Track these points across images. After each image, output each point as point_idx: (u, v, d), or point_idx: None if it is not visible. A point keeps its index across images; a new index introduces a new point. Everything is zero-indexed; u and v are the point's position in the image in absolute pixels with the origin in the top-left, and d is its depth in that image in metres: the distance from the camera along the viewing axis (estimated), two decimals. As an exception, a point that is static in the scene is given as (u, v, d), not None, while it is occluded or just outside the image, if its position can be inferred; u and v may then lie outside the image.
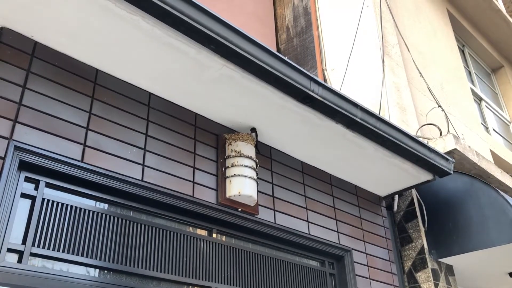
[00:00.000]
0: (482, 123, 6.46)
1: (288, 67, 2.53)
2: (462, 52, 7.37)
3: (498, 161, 6.13)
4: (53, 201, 2.09)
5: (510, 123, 7.70)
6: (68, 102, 2.23)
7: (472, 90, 6.75)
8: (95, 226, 2.19)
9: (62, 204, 2.12)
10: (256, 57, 2.38)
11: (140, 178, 2.35)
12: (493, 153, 6.01)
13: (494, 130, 6.98)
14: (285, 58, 2.51)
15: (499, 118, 7.47)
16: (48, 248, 2.00)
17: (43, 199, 2.06)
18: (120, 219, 2.29)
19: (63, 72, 2.26)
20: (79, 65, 2.34)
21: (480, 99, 7.09)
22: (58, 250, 2.02)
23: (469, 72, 7.28)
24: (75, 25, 2.16)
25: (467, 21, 7.42)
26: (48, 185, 2.10)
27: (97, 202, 2.26)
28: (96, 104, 2.33)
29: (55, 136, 2.12)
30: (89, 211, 2.19)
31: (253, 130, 2.89)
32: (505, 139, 7.24)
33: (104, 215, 2.24)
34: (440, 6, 6.80)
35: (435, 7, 6.62)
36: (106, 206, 2.29)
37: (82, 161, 2.17)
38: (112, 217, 2.26)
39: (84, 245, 2.11)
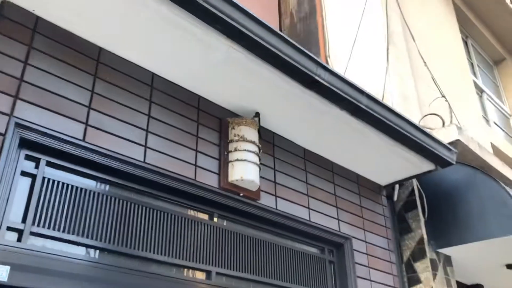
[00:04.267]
0: (483, 116, 6.43)
1: (295, 50, 2.48)
2: (465, 43, 7.31)
3: (498, 154, 6.10)
4: (53, 180, 2.05)
5: (510, 116, 7.68)
6: (71, 80, 2.18)
7: (474, 82, 6.71)
8: (96, 206, 2.15)
9: (63, 183, 2.08)
10: (263, 39, 2.34)
11: (142, 160, 2.31)
12: (493, 146, 6.00)
13: (494, 123, 6.96)
14: (293, 41, 2.46)
15: (500, 111, 7.44)
16: (48, 228, 1.96)
17: (43, 178, 2.02)
18: (121, 200, 2.25)
19: (66, 49, 2.21)
20: (82, 42, 2.28)
21: (482, 91, 7.05)
22: (58, 230, 1.99)
23: (472, 63, 7.23)
24: (79, 1, 2.10)
25: (471, 12, 7.35)
26: (48, 163, 2.06)
27: (98, 183, 2.22)
28: (98, 83, 2.28)
29: (56, 114, 2.07)
30: (89, 191, 2.15)
31: (257, 114, 2.85)
32: (505, 132, 7.22)
33: (105, 196, 2.20)
34: (446, -4, 6.73)
35: (441, -3, 6.55)
36: (107, 186, 2.25)
37: (83, 140, 2.12)
38: (113, 198, 2.23)
39: (84, 225, 2.08)
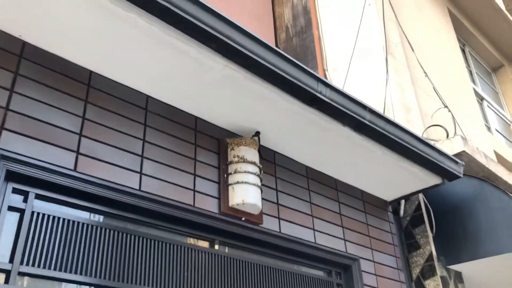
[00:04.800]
0: (485, 124, 6.34)
1: (295, 67, 2.38)
2: (463, 51, 7.25)
3: (501, 161, 6.01)
4: (43, 214, 1.93)
5: (511, 122, 7.59)
6: (60, 106, 2.06)
7: (474, 90, 6.64)
8: (90, 240, 2.02)
9: (54, 217, 1.95)
10: (260, 56, 2.24)
11: (138, 188, 2.19)
12: (496, 154, 5.90)
13: (496, 130, 6.87)
14: (291, 58, 2.36)
15: (500, 117, 7.36)
16: (38, 266, 1.83)
17: (32, 212, 1.90)
18: (116, 232, 2.13)
19: (54, 74, 2.10)
20: (72, 67, 2.18)
21: (482, 98, 6.98)
22: (49, 268, 1.86)
23: (470, 71, 7.16)
24: (66, 24, 2.00)
25: (467, 20, 7.30)
26: (38, 196, 1.94)
27: (92, 214, 2.10)
28: (90, 108, 2.17)
29: (45, 144, 1.96)
30: (82, 224, 2.03)
31: (257, 133, 2.74)
32: (506, 139, 7.13)
33: (99, 228, 2.07)
34: (441, 4, 6.68)
35: (436, 5, 6.50)
36: (101, 218, 2.13)
37: (75, 170, 2.01)
38: (107, 230, 2.10)
39: (77, 261, 1.95)
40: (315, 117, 2.67)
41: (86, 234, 2.02)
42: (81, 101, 2.15)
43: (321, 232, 3.00)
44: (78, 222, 2.02)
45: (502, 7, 7.66)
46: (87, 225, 2.04)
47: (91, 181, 2.04)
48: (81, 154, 2.05)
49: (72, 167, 2.00)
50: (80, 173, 2.01)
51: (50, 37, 2.06)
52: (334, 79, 4.73)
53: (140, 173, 2.23)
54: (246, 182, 2.54)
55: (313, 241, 2.91)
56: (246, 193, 2.51)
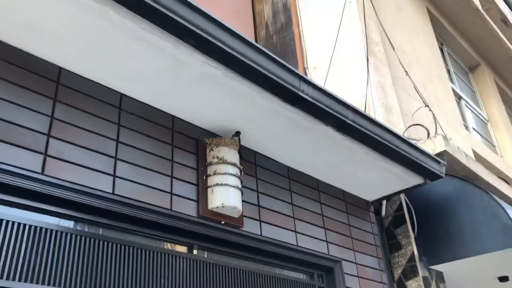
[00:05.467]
0: (463, 123, 6.38)
1: (276, 65, 2.29)
2: (441, 50, 7.28)
3: (479, 160, 6.04)
4: (7, 221, 1.78)
5: (488, 121, 7.67)
6: (26, 105, 1.92)
7: (452, 89, 6.67)
8: (59, 247, 1.89)
9: (19, 224, 1.81)
10: (241, 53, 2.14)
11: (111, 191, 2.07)
12: (474, 153, 5.93)
13: (473, 128, 6.92)
14: (273, 55, 2.27)
15: (478, 116, 7.43)
16: (1, 278, 1.69)
17: (-4, 219, 1.76)
18: (88, 238, 2.00)
19: (20, 70, 1.96)
20: (39, 63, 2.04)
21: (460, 97, 7.02)
22: (14, 279, 1.72)
23: (448, 70, 7.20)
24: (33, 16, 1.86)
25: (445, 20, 7.34)
26: (2, 202, 1.80)
27: (61, 220, 1.96)
28: (59, 107, 2.04)
29: (9, 145, 1.82)
30: (51, 230, 1.89)
31: (237, 133, 2.64)
32: (484, 137, 7.20)
33: (69, 235, 1.94)
34: (420, 4, 6.69)
35: (416, 5, 6.50)
36: (71, 223, 2.00)
37: (42, 173, 1.87)
38: (78, 236, 1.97)
39: (45, 271, 1.82)
40: (297, 117, 2.58)
41: (55, 241, 1.89)
42: (49, 100, 2.02)
43: (303, 234, 2.92)
44: (46, 229, 1.88)
45: (479, 6, 7.73)
46: (56, 231, 1.91)
47: (60, 184, 1.90)
48: (49, 156, 1.92)
49: (39, 170, 1.87)
50: (48, 176, 1.88)
51: (15, 30, 1.92)
52: (315, 78, 4.65)
53: (114, 175, 2.11)
54: (226, 184, 2.44)
55: (295, 243, 2.83)
56: (226, 195, 2.41)
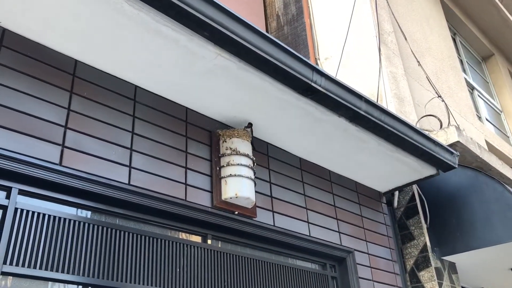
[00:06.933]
0: (476, 113, 6.32)
1: (289, 55, 2.30)
2: (454, 40, 7.21)
3: (492, 151, 6.00)
4: (27, 211, 1.83)
5: (501, 112, 7.60)
6: (43, 97, 1.96)
7: (465, 79, 6.61)
8: (77, 237, 1.94)
9: (38, 213, 1.86)
10: (254, 44, 2.14)
11: (127, 182, 2.10)
12: (487, 143, 5.89)
13: (486, 119, 6.86)
14: (286, 46, 2.28)
15: (491, 107, 7.36)
16: (23, 266, 1.74)
17: (15, 209, 1.80)
18: (105, 228, 2.04)
19: (37, 63, 1.99)
20: (55, 56, 2.07)
21: (473, 88, 6.96)
22: (35, 267, 1.77)
23: (461, 60, 7.13)
24: (49, 10, 1.89)
25: (458, 9, 7.26)
26: (21, 192, 1.84)
27: (79, 210, 2.01)
28: (75, 99, 2.07)
29: (28, 137, 1.86)
30: (69, 220, 1.94)
31: (249, 125, 2.66)
32: (497, 128, 7.13)
33: (86, 224, 1.99)
34: (432, -8, 6.61)
35: (428, -7, 6.43)
36: (88, 213, 2.04)
37: (60, 164, 1.91)
38: (95, 226, 2.01)
39: (64, 259, 1.86)
40: (310, 108, 2.59)
41: (73, 230, 1.93)
42: (66, 92, 2.05)
43: (315, 224, 2.94)
44: (65, 219, 1.92)
45: (493, -5, 7.62)
46: (74, 221, 1.95)
47: (77, 175, 1.94)
48: (67, 148, 1.96)
49: (57, 161, 1.90)
50: (65, 167, 1.92)
51: (32, 24, 1.95)
52: (327, 69, 4.65)
53: (129, 166, 2.14)
54: (239, 175, 2.46)
55: (308, 234, 2.85)
56: (239, 186, 2.44)
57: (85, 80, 2.14)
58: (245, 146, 2.58)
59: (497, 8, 7.45)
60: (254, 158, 2.61)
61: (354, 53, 4.54)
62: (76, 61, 2.14)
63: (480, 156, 3.91)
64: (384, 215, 3.60)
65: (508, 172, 4.32)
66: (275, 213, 2.72)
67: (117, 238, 2.06)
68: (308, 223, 2.90)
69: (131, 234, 2.12)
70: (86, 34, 2.03)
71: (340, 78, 4.42)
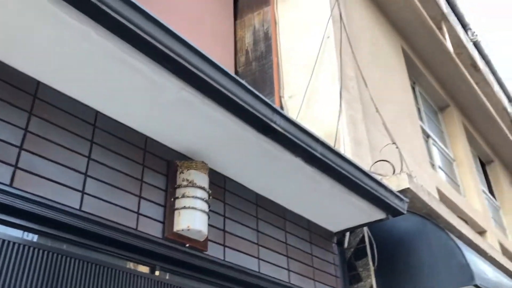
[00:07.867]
0: (429, 161, 6.59)
1: (251, 95, 2.37)
2: (413, 89, 7.55)
3: (443, 199, 6.24)
4: (-30, 231, 1.79)
5: (454, 161, 7.94)
6: (0, 116, 1.94)
7: (421, 127, 6.90)
8: (23, 261, 1.89)
9: (-18, 234, 1.81)
10: (218, 82, 2.21)
11: (78, 207, 2.08)
12: (438, 191, 6.12)
13: (439, 167, 7.15)
14: (249, 86, 2.36)
15: (444, 156, 7.68)
16: (-41, 288, 1.69)
17: (-42, 228, 1.76)
18: (51, 253, 2.00)
19: (-3, 81, 1.98)
20: (17, 75, 2.06)
21: (428, 136, 7.26)
22: (-29, 291, 1.72)
23: (418, 109, 7.46)
24: (13, 29, 1.90)
25: (419, 60, 7.63)
26: (-34, 211, 1.80)
27: (26, 233, 1.97)
28: (34, 120, 2.06)
29: (-20, 155, 1.83)
30: (15, 244, 1.89)
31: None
32: (449, 176, 7.43)
33: (32, 248, 1.94)
34: (396, 43, 6.96)
35: (391, 43, 6.76)
36: (35, 237, 2.00)
37: (11, 185, 1.88)
38: (41, 251, 1.97)
39: (5, 282, 1.81)
40: (268, 146, 2.66)
41: (17, 254, 1.89)
42: (25, 112, 2.04)
43: (265, 261, 2.97)
44: (9, 241, 1.88)
45: (451, 50, 8.08)
46: (19, 244, 1.90)
47: (27, 197, 1.92)
48: (19, 169, 1.93)
49: (7, 182, 1.88)
50: (16, 188, 1.89)
51: (-3, 42, 1.95)
52: (290, 107, 4.78)
53: (82, 192, 2.13)
54: (193, 208, 2.48)
55: (257, 270, 2.87)
56: (192, 219, 2.45)
57: (46, 102, 2.13)
58: (201, 179, 2.61)
59: (454, 63, 7.89)
60: (210, 191, 2.64)
61: (317, 94, 4.70)
62: (38, 82, 2.14)
63: (429, 204, 4.08)
64: (334, 255, 3.67)
65: (454, 221, 4.51)
66: (226, 248, 2.74)
67: (63, 264, 2.02)
68: (259, 259, 2.93)
69: (77, 261, 2.08)
70: (51, 56, 2.04)
71: (302, 117, 4.56)
